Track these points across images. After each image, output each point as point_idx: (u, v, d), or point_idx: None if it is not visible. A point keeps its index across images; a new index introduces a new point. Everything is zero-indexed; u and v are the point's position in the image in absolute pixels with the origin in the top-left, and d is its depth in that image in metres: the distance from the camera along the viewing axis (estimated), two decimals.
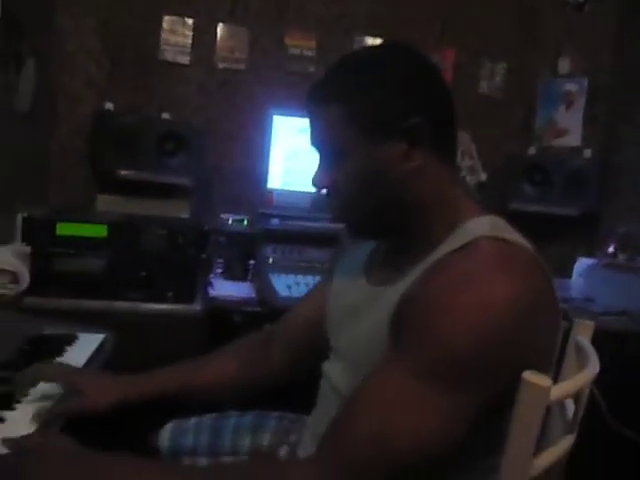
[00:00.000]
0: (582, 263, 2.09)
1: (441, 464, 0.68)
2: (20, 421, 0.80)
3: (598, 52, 2.35)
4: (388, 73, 0.78)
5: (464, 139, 2.11)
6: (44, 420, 0.81)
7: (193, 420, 1.10)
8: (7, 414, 0.81)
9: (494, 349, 0.65)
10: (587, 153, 2.23)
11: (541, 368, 0.67)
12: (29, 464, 0.70)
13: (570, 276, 2.10)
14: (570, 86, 2.33)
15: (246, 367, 1.04)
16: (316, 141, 0.83)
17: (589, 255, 2.15)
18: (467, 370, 0.65)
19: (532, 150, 2.27)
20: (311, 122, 0.82)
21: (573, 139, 2.33)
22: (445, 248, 0.75)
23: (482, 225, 0.76)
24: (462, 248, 0.73)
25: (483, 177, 2.01)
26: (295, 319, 1.06)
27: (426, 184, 0.79)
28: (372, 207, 0.81)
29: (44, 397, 0.88)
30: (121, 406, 0.91)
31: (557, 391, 0.67)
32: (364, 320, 0.82)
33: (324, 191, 0.84)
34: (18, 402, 0.85)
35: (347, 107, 0.77)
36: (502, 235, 0.73)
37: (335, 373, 0.89)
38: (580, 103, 2.32)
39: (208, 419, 1.10)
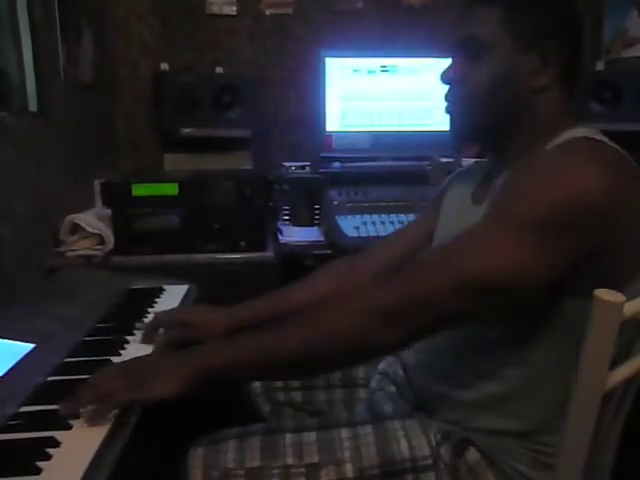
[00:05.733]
0: None
1: (502, 305, 0.74)
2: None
3: None
4: None
5: None
6: (160, 345, 0.95)
7: None
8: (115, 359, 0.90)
9: (569, 215, 0.70)
10: None
11: (617, 263, 0.72)
12: (151, 360, 0.82)
13: None
14: None
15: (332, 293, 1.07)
16: (463, 36, 0.86)
17: None
18: (542, 225, 0.70)
19: (600, 65, 2.13)
20: (465, 17, 0.86)
21: None
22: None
23: (576, 131, 0.81)
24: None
25: None
26: (399, 240, 1.10)
27: (543, 107, 0.84)
28: (490, 109, 0.86)
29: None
30: (226, 334, 1.00)
31: (632, 307, 0.67)
32: None
33: (447, 87, 0.89)
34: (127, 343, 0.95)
35: (506, 11, 0.82)
36: (596, 137, 0.78)
37: None
38: None
39: None
